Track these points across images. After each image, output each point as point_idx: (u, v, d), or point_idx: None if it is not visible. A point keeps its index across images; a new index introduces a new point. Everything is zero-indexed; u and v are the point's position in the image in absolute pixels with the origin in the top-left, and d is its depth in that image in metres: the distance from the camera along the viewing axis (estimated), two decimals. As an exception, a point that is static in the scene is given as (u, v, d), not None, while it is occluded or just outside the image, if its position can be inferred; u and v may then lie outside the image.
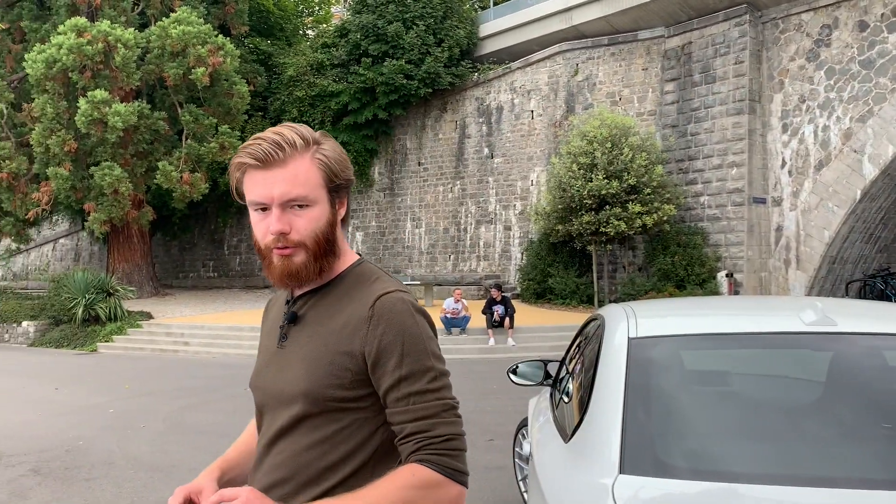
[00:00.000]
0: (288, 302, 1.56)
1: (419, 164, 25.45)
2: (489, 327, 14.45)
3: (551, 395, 3.51)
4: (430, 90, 23.89)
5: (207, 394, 10.19)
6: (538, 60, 22.56)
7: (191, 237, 31.90)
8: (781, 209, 18.57)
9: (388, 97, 23.88)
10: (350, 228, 27.33)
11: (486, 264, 23.38)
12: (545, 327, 15.32)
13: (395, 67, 23.25)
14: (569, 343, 3.74)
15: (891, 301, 18.17)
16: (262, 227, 1.48)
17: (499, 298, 14.64)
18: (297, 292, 1.55)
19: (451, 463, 1.42)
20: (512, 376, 3.89)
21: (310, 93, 25.37)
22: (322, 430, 1.44)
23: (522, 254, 22.08)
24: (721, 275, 18.09)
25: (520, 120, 22.88)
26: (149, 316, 19.06)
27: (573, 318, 16.57)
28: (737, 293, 18.18)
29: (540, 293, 19.94)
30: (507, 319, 14.49)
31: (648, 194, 17.80)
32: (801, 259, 18.24)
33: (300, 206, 1.46)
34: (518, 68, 23.06)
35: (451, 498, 1.40)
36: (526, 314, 16.75)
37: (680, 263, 18.24)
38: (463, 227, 24.03)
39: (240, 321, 17.57)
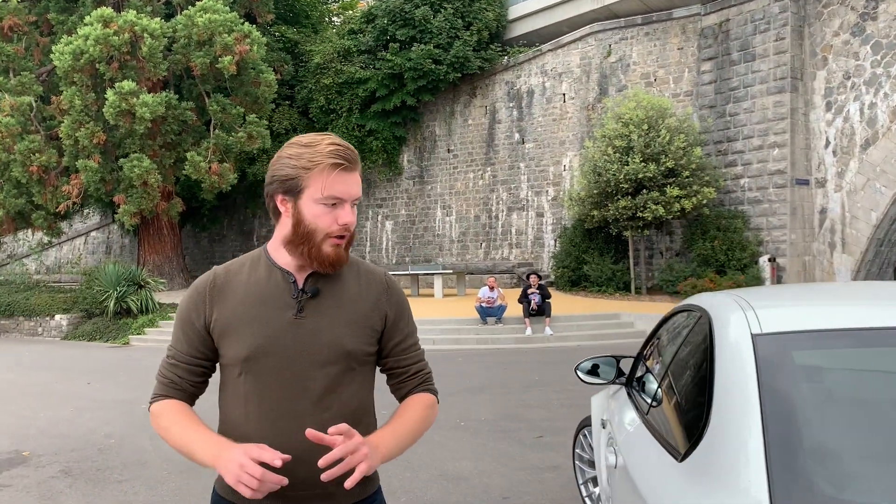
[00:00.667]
0: (292, 281, 1.78)
1: (449, 150, 25.05)
2: (526, 316, 14.07)
3: (630, 395, 3.13)
4: (459, 75, 23.45)
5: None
6: (569, 42, 22.00)
7: (220, 228, 31.87)
8: (825, 191, 17.88)
9: (417, 83, 23.48)
10: (380, 217, 27.04)
11: (518, 252, 22.95)
12: (583, 315, 14.90)
13: (423, 52, 22.83)
14: (645, 337, 3.35)
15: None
16: (329, 218, 1.72)
17: (536, 286, 14.24)
18: (303, 273, 1.79)
19: (435, 388, 1.94)
20: (581, 375, 3.51)
21: (337, 80, 25.05)
22: (358, 379, 1.79)
23: (556, 241, 21.61)
24: (763, 259, 17.49)
25: (551, 104, 22.36)
26: (180, 308, 18.94)
27: (610, 306, 16.12)
28: (780, 278, 17.57)
29: (575, 280, 19.48)
30: (545, 308, 14.09)
31: (687, 177, 17.23)
32: (846, 242, 17.55)
33: (353, 206, 1.76)
34: (549, 51, 22.51)
35: (436, 410, 1.92)
36: (561, 302, 16.33)
37: (720, 248, 17.66)
38: (494, 214, 23.60)
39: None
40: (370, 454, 1.60)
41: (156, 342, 16.64)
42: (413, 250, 25.76)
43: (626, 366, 3.59)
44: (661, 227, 18.78)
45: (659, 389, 2.49)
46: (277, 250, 1.80)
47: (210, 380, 1.87)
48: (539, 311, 14.14)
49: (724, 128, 18.88)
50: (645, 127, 17.46)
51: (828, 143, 17.80)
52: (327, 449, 1.58)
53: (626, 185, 17.29)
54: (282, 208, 1.75)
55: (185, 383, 1.81)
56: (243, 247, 31.69)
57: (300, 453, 1.64)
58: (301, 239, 1.72)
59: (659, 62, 20.26)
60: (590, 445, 4.38)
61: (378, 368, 1.90)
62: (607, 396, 3.93)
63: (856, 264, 17.39)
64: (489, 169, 23.85)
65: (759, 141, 18.23)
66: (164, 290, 21.55)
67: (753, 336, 1.85)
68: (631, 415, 2.82)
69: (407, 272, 20.95)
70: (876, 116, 16.96)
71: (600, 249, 19.22)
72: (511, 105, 23.38)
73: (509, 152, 23.33)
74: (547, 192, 22.27)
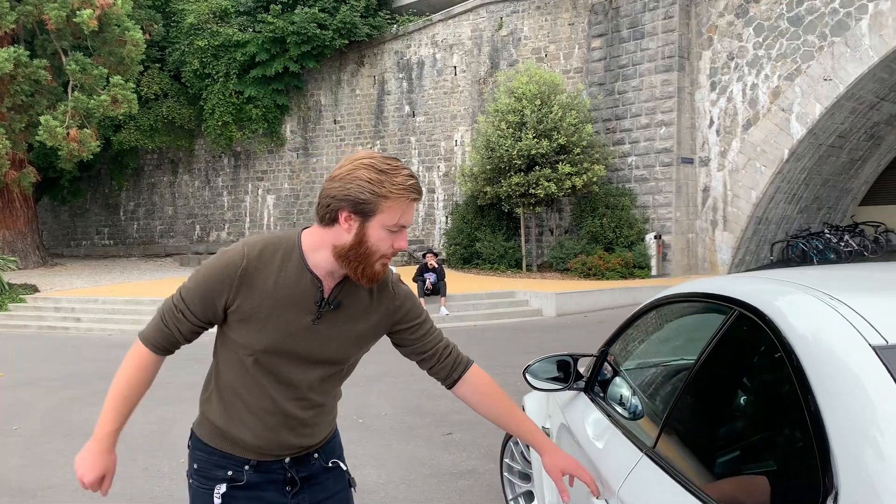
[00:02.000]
0: (320, 288, 1.89)
1: (335, 121, 23.92)
2: (420, 296, 13.44)
3: (598, 404, 2.51)
4: (346, 42, 22.33)
5: (99, 382, 8.72)
6: (460, 13, 21.36)
7: (83, 202, 29.31)
8: (709, 169, 18.27)
9: (300, 48, 22.16)
10: (260, 191, 25.60)
11: (408, 229, 22.27)
12: (478, 294, 14.46)
13: (307, 16, 21.53)
14: (611, 330, 2.72)
15: (812, 261, 18.28)
16: (389, 242, 1.83)
17: (434, 265, 13.64)
18: (331, 282, 1.91)
19: (467, 357, 2.15)
20: (531, 379, 2.87)
21: (213, 43, 23.29)
22: (338, 376, 2.04)
23: (447, 217, 21.11)
24: (650, 237, 17.68)
25: (442, 76, 21.70)
26: (34, 289, 17.04)
27: (504, 284, 15.80)
28: (665, 256, 17.84)
29: (467, 258, 19.08)
30: (440, 287, 13.53)
31: (578, 154, 17.10)
32: (728, 220, 18.03)
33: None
34: (439, 21, 21.79)
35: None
36: (455, 280, 15.84)
37: (609, 225, 17.71)
38: (383, 189, 22.75)
39: (139, 293, 15.89)
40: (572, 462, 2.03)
41: (4, 328, 14.81)
42: (297, 226, 24.53)
43: (589, 362, 2.99)
44: (551, 205, 18.64)
45: (671, 418, 1.85)
46: (314, 252, 1.88)
47: None
48: (434, 291, 13.57)
49: (613, 105, 18.89)
50: (538, 102, 17.15)
51: (712, 123, 18.15)
52: (317, 420, 2.02)
53: (520, 162, 16.96)
54: (344, 224, 1.81)
55: (182, 338, 1.95)
56: (108, 222, 29.28)
57: (294, 426, 1.97)
58: (359, 257, 1.82)
59: (550, 37, 20.01)
60: (522, 455, 3.78)
61: (405, 354, 2.10)
62: (549, 398, 3.32)
63: (736, 241, 17.91)
64: (378, 142, 22.95)
65: (646, 119, 18.35)
66: (16, 269, 19.36)
67: (878, 350, 1.24)
68: (607, 430, 2.21)
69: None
70: (757, 97, 17.41)
71: (492, 227, 18.89)
72: (401, 76, 22.54)
73: (399, 125, 22.52)
74: (438, 167, 21.69)
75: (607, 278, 16.56)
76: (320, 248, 1.86)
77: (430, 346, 2.05)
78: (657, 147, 18.13)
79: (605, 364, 2.73)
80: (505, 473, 3.93)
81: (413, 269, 15.19)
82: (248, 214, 25.84)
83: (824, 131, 17.33)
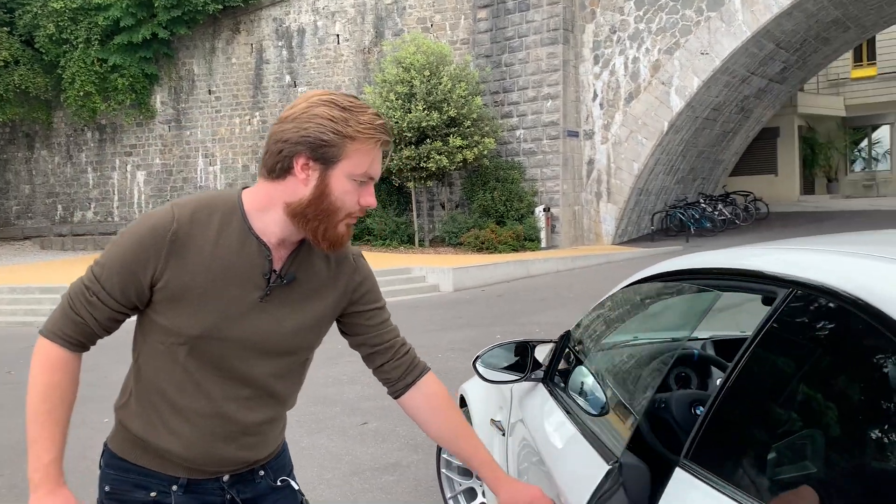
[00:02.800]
0: (268, 258, 1.56)
1: (210, 92, 22.53)
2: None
3: (562, 401, 2.22)
4: (220, 7, 20.99)
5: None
6: (343, -21, 20.56)
7: (-79, 180, 26.34)
8: (593, 142, 18.58)
9: (170, 13, 20.63)
10: (129, 167, 23.85)
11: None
12: (374, 272, 14.01)
13: (176, -22, 20.06)
14: (584, 313, 2.42)
15: (689, 230, 19.04)
16: (354, 196, 1.54)
17: (324, 243, 13.08)
18: (283, 251, 1.58)
19: (424, 363, 1.81)
20: (483, 371, 2.54)
21: (70, 5, 21.26)
22: (301, 368, 1.72)
23: (334, 192, 20.44)
24: (539, 209, 17.83)
25: (325, 45, 20.85)
26: None
27: (398, 260, 15.45)
28: (553, 228, 18.05)
29: (358, 235, 18.54)
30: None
31: (468, 127, 16.91)
32: (611, 192, 18.44)
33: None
34: (320, -13, 20.89)
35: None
36: (346, 258, 15.31)
37: (499, 199, 17.69)
38: (265, 163, 21.73)
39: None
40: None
41: None
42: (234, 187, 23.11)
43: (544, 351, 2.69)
44: (442, 179, 18.40)
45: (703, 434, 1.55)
46: (261, 213, 1.55)
47: None
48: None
49: (500, 78, 18.81)
50: (427, 73, 16.78)
51: (595, 96, 18.43)
52: (265, 429, 1.66)
53: (410, 135, 16.57)
54: (301, 174, 1.50)
55: (98, 328, 1.56)
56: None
57: (236, 435, 1.61)
58: (319, 215, 1.52)
59: (435, 7, 19.61)
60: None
61: (354, 345, 1.79)
62: (497, 386, 3.01)
63: (620, 212, 18.37)
64: (258, 114, 21.84)
65: (533, 92, 18.39)
66: None
67: None
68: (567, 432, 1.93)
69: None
70: (639, 71, 17.79)
71: (383, 202, 18.44)
72: (280, 44, 21.48)
73: (280, 96, 21.50)
74: (323, 140, 20.91)
75: (500, 252, 16.56)
76: (269, 207, 1.54)
77: (386, 339, 1.75)
78: (544, 120, 18.23)
79: (573, 352, 2.45)
80: (443, 469, 3.61)
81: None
82: (116, 192, 24.05)
83: (701, 104, 17.98)
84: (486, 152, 17.20)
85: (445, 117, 16.53)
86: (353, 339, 1.76)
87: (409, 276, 13.96)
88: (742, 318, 2.51)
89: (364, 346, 1.75)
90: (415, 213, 18.26)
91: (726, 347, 2.84)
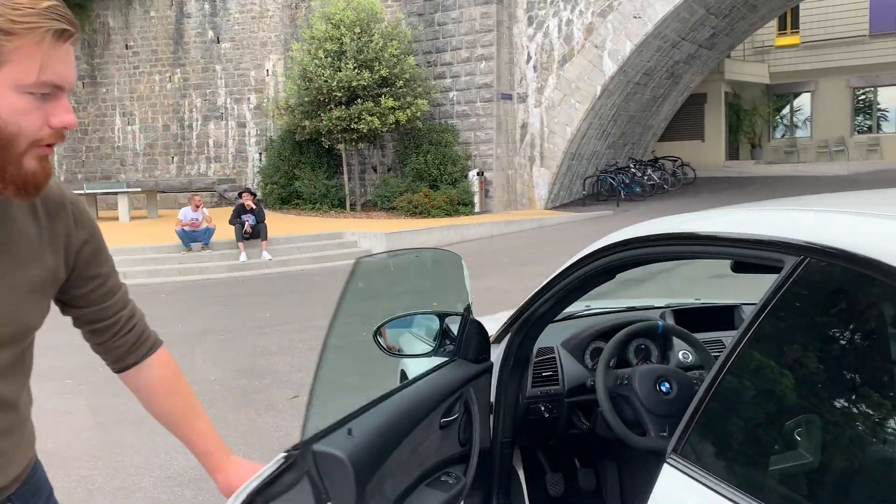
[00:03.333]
0: None
1: (127, 46, 21.29)
2: (239, 240, 12.36)
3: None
4: (136, -44, 19.78)
5: None
6: (268, -71, 19.60)
7: None
8: (527, 106, 18.42)
9: (81, -39, 19.33)
10: (39, 126, 22.42)
11: (218, 167, 20.59)
12: (303, 236, 13.60)
13: (86, -78, 18.74)
14: (542, 281, 2.19)
15: (620, 195, 19.19)
16: (38, 116, 1.12)
17: (252, 206, 12.54)
18: None
19: (157, 336, 1.53)
20: (385, 343, 2.26)
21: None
22: (23, 358, 1.31)
23: (261, 154, 19.73)
24: (472, 173, 17.62)
25: (249, -1, 19.93)
26: None
27: (329, 225, 15.04)
28: (487, 192, 17.90)
29: (286, 198, 18.00)
30: (260, 230, 12.51)
31: (401, 88, 16.48)
32: (545, 156, 18.37)
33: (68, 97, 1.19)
34: (244, -63, 19.87)
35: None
36: (275, 222, 14.79)
37: (433, 163, 17.40)
38: (187, 123, 20.76)
39: None
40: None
41: None
42: (87, 165, 21.88)
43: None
44: (374, 141, 17.95)
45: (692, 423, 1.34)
46: None
47: None
48: (254, 234, 12.52)
49: (433, 37, 18.36)
50: (357, 30, 16.22)
51: (529, 59, 18.21)
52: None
53: (340, 94, 16.04)
54: None
55: None
56: None
57: None
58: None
59: (367, -38, 18.91)
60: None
61: (78, 322, 1.43)
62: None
63: (552, 177, 18.34)
64: (179, 70, 20.78)
65: (466, 53, 18.04)
66: None
67: None
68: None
69: (82, 191, 17.58)
70: (572, 33, 17.64)
71: (312, 164, 17.89)
72: (202, -3, 20.42)
73: (202, 52, 20.49)
74: (249, 99, 20.09)
75: (433, 216, 16.32)
76: None
77: (112, 312, 1.42)
78: (478, 82, 17.93)
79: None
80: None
81: (226, 210, 13.98)
82: (25, 152, 22.62)
83: (633, 68, 17.99)
84: (419, 114, 16.83)
85: (377, 77, 16.05)
86: (76, 313, 1.41)
87: (340, 242, 13.59)
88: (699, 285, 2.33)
89: (87, 323, 1.42)
90: (346, 177, 17.80)
91: (688, 317, 2.67)
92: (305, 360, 6.08)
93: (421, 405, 1.84)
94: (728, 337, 2.57)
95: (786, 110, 27.90)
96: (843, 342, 1.17)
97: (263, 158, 19.39)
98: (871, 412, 1.10)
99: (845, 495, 1.10)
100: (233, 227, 12.49)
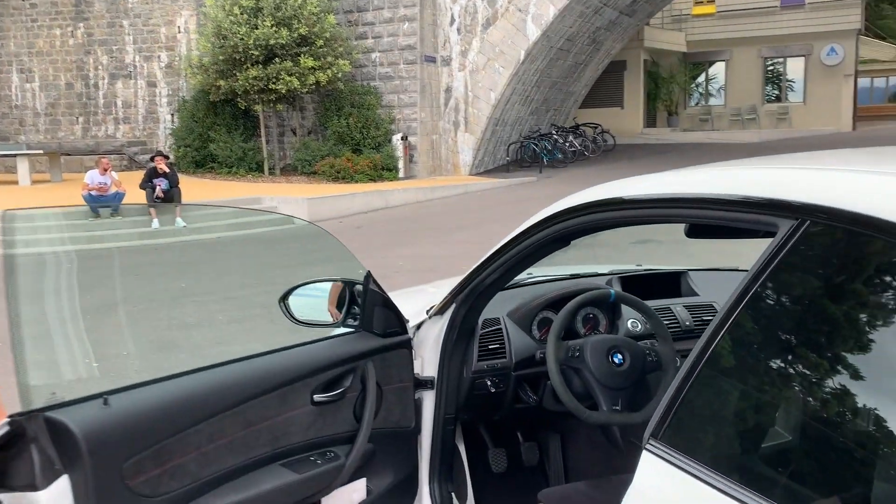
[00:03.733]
0: None
1: (23, -2, 19.82)
2: (151, 206, 11.75)
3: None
4: None
5: None
6: None
7: None
8: (451, 69, 18.16)
9: None
10: (-74, 82, 20.72)
11: (126, 128, 19.53)
12: (219, 202, 13.05)
13: None
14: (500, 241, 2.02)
15: (543, 161, 19.26)
16: None
17: (164, 170, 11.92)
18: None
19: None
20: (296, 311, 2.05)
21: None
22: None
23: (174, 115, 18.82)
24: (396, 138, 17.32)
25: (158, -50, 18.80)
26: None
27: (246, 189, 14.51)
28: (411, 157, 17.64)
29: (200, 161, 17.27)
30: (174, 195, 11.92)
31: (321, 47, 15.94)
32: (469, 121, 18.22)
33: None
34: None
35: None
36: (190, 187, 14.17)
37: (355, 126, 17.00)
38: (93, 82, 19.56)
39: None
40: None
41: None
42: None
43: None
44: (293, 103, 17.37)
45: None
46: None
47: None
48: (167, 199, 11.93)
49: (354, -4, 17.82)
50: (275, -15, 15.56)
51: (453, 21, 17.92)
52: None
53: (257, 53, 15.39)
54: None
55: None
56: None
57: None
58: None
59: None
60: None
61: None
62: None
63: (477, 143, 18.23)
64: (82, 25, 19.47)
65: (389, 13, 17.59)
66: None
67: None
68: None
69: (-24, 153, 16.44)
70: (496, -4, 17.42)
71: (228, 126, 17.20)
72: (106, -53, 19.13)
73: (108, 6, 19.25)
74: (159, 57, 19.06)
75: (356, 181, 15.98)
76: None
77: None
78: (401, 44, 17.54)
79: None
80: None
81: (137, 174, 13.27)
82: (-90, 112, 20.91)
83: (556, 34, 17.95)
84: (340, 75, 16.35)
85: (296, 35, 15.47)
86: None
87: (259, 208, 13.13)
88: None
89: None
90: (263, 139, 17.19)
91: (634, 284, 2.57)
92: (224, 333, 5.79)
93: (268, 378, 1.71)
94: (677, 304, 2.48)
95: (701, 78, 28.58)
96: (848, 314, 1.06)
97: (176, 120, 18.52)
98: (880, 390, 0.99)
99: (846, 480, 0.99)
100: (144, 192, 11.86)
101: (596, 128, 21.61)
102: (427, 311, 2.26)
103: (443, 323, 2.18)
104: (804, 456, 1.05)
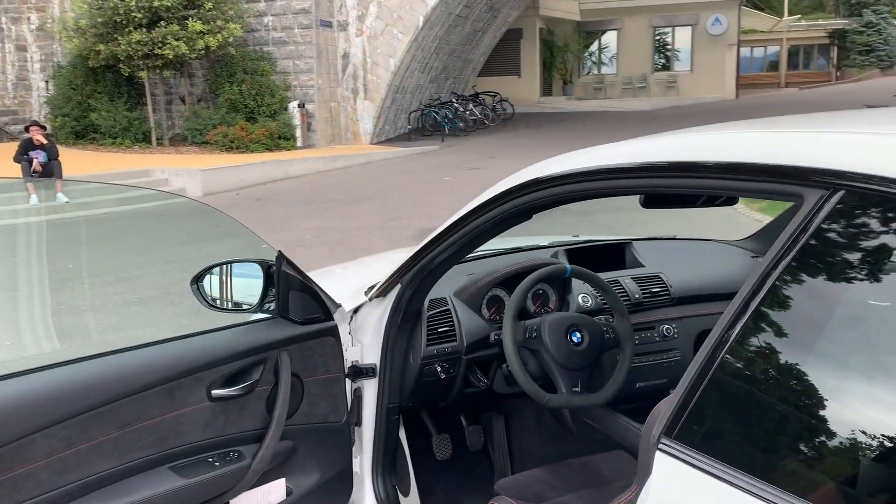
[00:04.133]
0: None
1: None
2: (28, 181, 10.84)
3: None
4: None
5: None
6: None
7: None
8: (348, 34, 17.66)
9: None
10: None
11: (-7, 96, 17.95)
12: (103, 175, 12.20)
13: None
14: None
15: (444, 130, 19.12)
16: None
17: (41, 141, 10.99)
18: None
19: None
20: (210, 294, 1.81)
21: None
22: None
23: (48, 82, 17.43)
24: (293, 105, 16.73)
25: None
26: None
27: (134, 161, 13.66)
28: (310, 125, 17.11)
29: (80, 132, 16.11)
30: (53, 168, 11.05)
31: (209, 10, 15.09)
32: (368, 88, 17.83)
33: None
34: None
35: None
36: (71, 160, 13.15)
37: (249, 93, 16.28)
38: (-48, 45, 17.82)
39: None
40: None
41: None
42: None
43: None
44: (181, 69, 16.42)
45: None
46: None
47: None
48: (45, 173, 11.05)
49: (244, -44, 16.95)
50: (157, -57, 14.55)
51: (349, -16, 17.40)
52: None
53: (140, 15, 14.41)
54: None
55: None
56: None
57: None
58: None
59: None
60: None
61: None
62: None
63: (377, 111, 17.88)
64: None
65: (282, -25, 16.87)
66: None
67: None
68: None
69: None
70: (394, -41, 17.01)
71: (110, 94, 16.10)
72: None
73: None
74: (29, 19, 17.53)
75: (252, 151, 15.35)
76: None
77: None
78: (294, 7, 16.87)
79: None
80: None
81: (10, 146, 12.22)
82: None
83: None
84: (231, 40, 15.56)
85: (183, -3, 14.59)
86: None
87: (149, 180, 12.36)
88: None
89: None
90: (150, 108, 16.21)
91: (578, 256, 2.46)
92: (121, 318, 5.37)
93: (148, 372, 1.55)
94: (625, 277, 2.39)
95: (594, 47, 29.13)
96: (891, 294, 0.95)
97: (51, 87, 17.17)
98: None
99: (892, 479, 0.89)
100: (19, 166, 10.92)
101: (495, 96, 21.64)
102: (366, 293, 2.07)
103: (385, 305, 2.00)
104: (842, 453, 0.95)
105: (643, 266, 2.45)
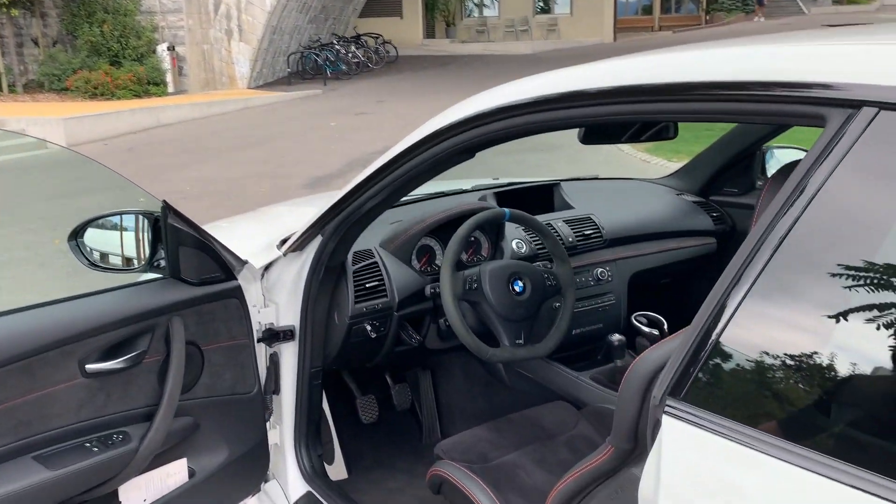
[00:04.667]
0: None
1: None
2: None
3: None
4: None
5: None
6: None
7: None
8: (219, -29, 16.55)
9: None
10: None
11: None
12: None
13: None
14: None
15: (325, 73, 18.44)
16: None
17: None
18: None
19: None
20: (91, 251, 1.57)
21: None
22: None
23: None
24: (162, 48, 15.60)
25: None
26: None
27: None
28: (181, 69, 16.04)
29: (-84, 78, 14.37)
30: None
31: (61, -60, 13.70)
32: (243, 29, 16.87)
33: None
34: None
35: None
36: None
37: (111, 34, 15.03)
38: None
39: None
40: None
41: None
42: None
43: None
44: (30, 8, 14.90)
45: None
46: None
47: None
48: None
49: None
50: None
51: (217, -85, 16.23)
52: None
53: (-22, -56, 12.86)
54: None
55: None
56: None
57: None
58: None
59: None
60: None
61: None
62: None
63: (253, 53, 16.99)
64: None
65: None
66: None
67: None
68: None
69: None
70: None
71: (-51, 34, 14.39)
72: None
73: None
74: None
75: (119, 98, 14.23)
76: None
77: None
78: (160, -60, 15.60)
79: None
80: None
81: None
82: None
83: (333, -65, 16.97)
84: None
85: (27, -75, 13.12)
86: None
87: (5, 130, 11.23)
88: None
89: None
90: (-1, 51, 14.67)
91: (506, 199, 2.30)
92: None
93: (4, 345, 1.33)
94: (557, 220, 2.26)
95: (477, -11, 28.82)
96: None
97: None
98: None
99: None
100: None
101: (377, 38, 21.05)
102: (279, 247, 1.83)
103: (303, 260, 1.77)
104: (877, 407, 0.84)
105: (573, 208, 2.33)
